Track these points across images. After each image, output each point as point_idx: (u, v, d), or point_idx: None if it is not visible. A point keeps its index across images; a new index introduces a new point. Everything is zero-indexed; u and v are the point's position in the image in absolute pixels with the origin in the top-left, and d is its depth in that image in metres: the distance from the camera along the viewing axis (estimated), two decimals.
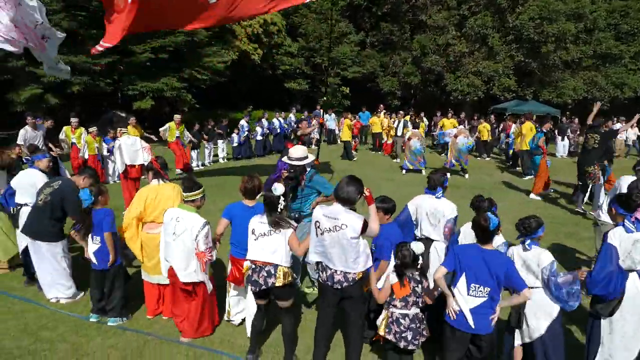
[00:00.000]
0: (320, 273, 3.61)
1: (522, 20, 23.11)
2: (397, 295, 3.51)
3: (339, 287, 3.50)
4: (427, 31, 26.29)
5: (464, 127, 13.56)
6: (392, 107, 25.17)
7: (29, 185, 5.25)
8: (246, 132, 15.30)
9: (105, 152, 11.34)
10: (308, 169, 4.98)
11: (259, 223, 3.75)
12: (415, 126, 13.43)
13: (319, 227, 3.52)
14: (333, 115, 19.84)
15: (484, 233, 3.28)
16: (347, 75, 26.92)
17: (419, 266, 3.62)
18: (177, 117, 12.32)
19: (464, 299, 3.28)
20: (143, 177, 7.62)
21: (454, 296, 3.33)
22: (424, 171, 12.73)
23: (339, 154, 16.13)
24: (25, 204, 5.24)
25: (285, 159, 5.02)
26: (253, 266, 3.75)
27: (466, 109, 23.48)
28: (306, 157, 4.91)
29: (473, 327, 3.26)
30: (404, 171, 13.15)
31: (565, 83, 24.28)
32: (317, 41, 26.13)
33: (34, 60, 15.36)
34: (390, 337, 3.51)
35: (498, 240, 3.81)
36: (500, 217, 3.51)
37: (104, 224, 4.43)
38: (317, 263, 3.65)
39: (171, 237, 4.07)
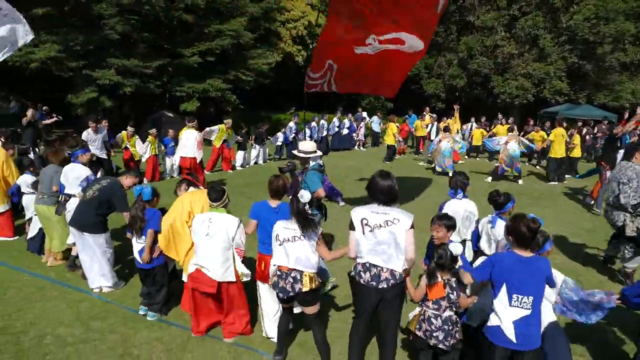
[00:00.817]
0: (363, 274, 3.48)
1: (576, 20, 22.16)
2: (430, 296, 3.42)
3: (385, 285, 3.41)
4: (474, 32, 25.69)
5: (515, 132, 13.12)
6: (437, 110, 24.70)
7: (74, 178, 5.61)
8: (293, 134, 15.47)
9: (162, 149, 11.89)
10: (312, 163, 5.34)
11: (283, 229, 3.71)
12: (446, 130, 13.32)
13: (367, 224, 3.45)
14: (375, 118, 19.70)
15: (525, 239, 3.09)
16: None
17: (457, 267, 3.45)
18: (228, 121, 12.40)
19: (506, 311, 3.09)
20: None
21: (494, 310, 3.17)
22: (450, 173, 12.45)
23: (379, 157, 15.99)
24: (73, 195, 5.60)
25: (295, 151, 5.46)
26: (279, 272, 3.70)
27: (514, 112, 22.72)
28: (314, 152, 5.31)
29: (515, 342, 3.08)
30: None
31: (622, 86, 23.09)
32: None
33: (90, 63, 16.21)
34: (420, 333, 3.44)
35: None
36: (548, 225, 3.35)
37: (150, 223, 4.57)
38: (357, 265, 3.55)
39: (204, 238, 4.07)
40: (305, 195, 3.62)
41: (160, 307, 4.75)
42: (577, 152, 13.51)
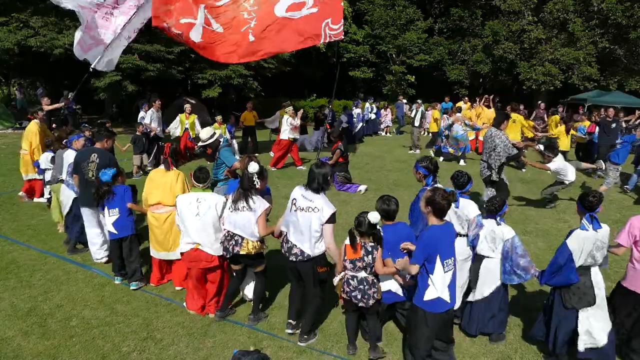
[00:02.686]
0: (284, 244, 4.09)
1: (609, 3, 21.29)
2: (348, 256, 3.78)
3: (295, 259, 3.98)
4: (500, 17, 24.99)
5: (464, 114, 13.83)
6: (460, 96, 24.21)
7: (64, 164, 6.06)
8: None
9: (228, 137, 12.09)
10: (221, 142, 6.13)
11: (236, 200, 4.17)
12: (459, 111, 13.72)
13: (295, 204, 3.96)
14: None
15: (443, 210, 3.38)
16: (412, 64, 26.15)
17: (375, 236, 3.76)
18: (289, 109, 11.78)
19: (443, 279, 3.38)
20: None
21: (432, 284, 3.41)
22: (462, 161, 12.84)
23: (402, 143, 15.78)
24: (61, 180, 6.09)
25: (200, 143, 6.34)
26: (226, 234, 4.23)
27: (541, 99, 22.12)
28: (214, 134, 6.19)
29: (449, 302, 3.42)
30: (432, 154, 13.39)
31: None
32: (383, 28, 25.53)
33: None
34: (344, 295, 3.85)
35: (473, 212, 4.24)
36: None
37: (125, 198, 5.01)
38: (281, 234, 4.13)
39: (194, 218, 4.35)
40: (252, 166, 4.10)
41: (140, 276, 5.07)
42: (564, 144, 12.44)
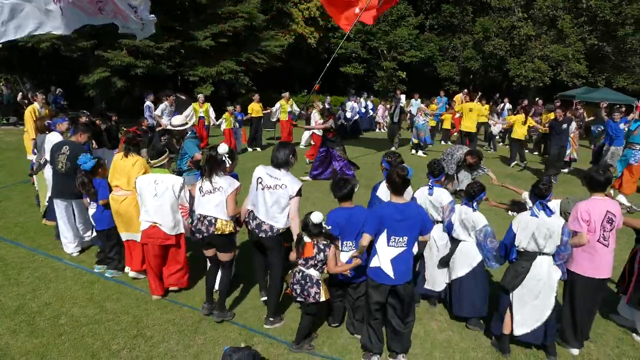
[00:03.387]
0: (251, 222, 4.24)
1: (597, 0, 21.45)
2: (304, 255, 3.81)
3: (264, 235, 4.14)
4: (490, 13, 25.11)
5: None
6: (450, 92, 24.31)
7: (46, 147, 6.06)
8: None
9: (237, 125, 12.45)
10: (189, 133, 6.21)
11: (206, 183, 4.25)
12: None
13: (260, 182, 4.14)
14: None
15: (397, 185, 3.59)
16: (403, 60, 26.20)
17: (324, 234, 3.80)
18: (285, 94, 13.54)
19: (385, 251, 3.57)
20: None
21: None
22: (421, 152, 13.67)
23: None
24: (47, 161, 6.09)
25: (169, 126, 6.61)
26: (199, 216, 4.27)
27: (530, 95, 22.27)
28: (186, 124, 6.32)
29: (393, 277, 3.58)
30: (412, 150, 13.95)
31: None
32: (374, 24, 25.50)
33: (101, 43, 16.19)
34: (290, 288, 3.93)
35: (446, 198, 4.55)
36: None
37: (100, 193, 5.05)
38: (250, 212, 4.27)
39: (153, 198, 4.53)
40: (222, 147, 4.27)
41: (116, 264, 5.24)
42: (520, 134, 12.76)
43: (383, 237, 3.57)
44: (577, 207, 3.97)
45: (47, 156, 6.09)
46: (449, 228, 4.52)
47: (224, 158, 4.26)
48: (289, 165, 4.20)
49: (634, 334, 4.37)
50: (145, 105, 11.52)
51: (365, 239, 3.62)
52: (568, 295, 4.06)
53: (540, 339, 3.93)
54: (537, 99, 17.88)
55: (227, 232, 4.24)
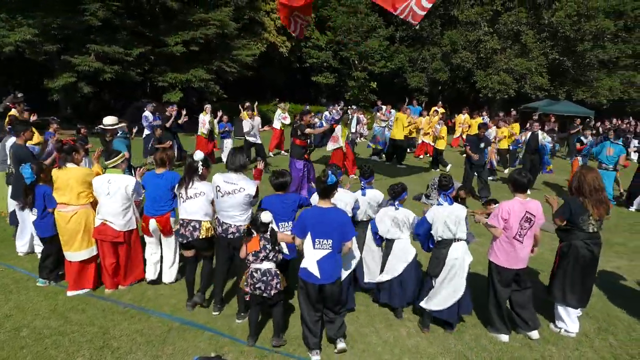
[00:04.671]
0: (218, 227, 4.46)
1: (558, 17, 22.45)
2: (248, 249, 3.98)
3: (232, 237, 4.37)
4: (458, 27, 25.81)
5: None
6: (420, 102, 24.78)
7: (7, 151, 6.16)
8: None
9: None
10: (119, 133, 7.00)
11: (189, 189, 4.49)
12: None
13: (219, 190, 4.34)
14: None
15: (321, 190, 3.89)
16: (374, 70, 26.61)
17: (268, 232, 4.03)
18: (281, 105, 14.27)
19: (311, 253, 3.80)
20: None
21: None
22: (376, 157, 14.39)
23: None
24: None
25: (101, 126, 7.11)
26: (181, 221, 4.53)
27: (495, 107, 22.99)
28: (118, 124, 7.09)
29: (319, 277, 3.78)
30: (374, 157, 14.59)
31: (600, 83, 23.52)
32: (345, 35, 25.86)
33: (68, 48, 15.80)
34: (247, 289, 4.00)
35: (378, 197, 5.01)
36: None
37: (45, 201, 4.99)
38: (217, 218, 4.50)
39: (105, 197, 4.71)
40: (198, 154, 4.52)
41: (48, 274, 5.11)
42: (441, 143, 13.46)
43: (309, 240, 3.82)
44: (501, 205, 4.37)
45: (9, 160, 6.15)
46: (374, 229, 4.86)
47: (198, 165, 4.49)
48: (245, 168, 4.46)
49: (551, 324, 4.69)
50: (143, 115, 11.34)
51: (297, 240, 3.94)
52: (490, 282, 4.50)
53: (455, 316, 4.46)
54: (511, 110, 18.77)
55: (209, 236, 4.54)
